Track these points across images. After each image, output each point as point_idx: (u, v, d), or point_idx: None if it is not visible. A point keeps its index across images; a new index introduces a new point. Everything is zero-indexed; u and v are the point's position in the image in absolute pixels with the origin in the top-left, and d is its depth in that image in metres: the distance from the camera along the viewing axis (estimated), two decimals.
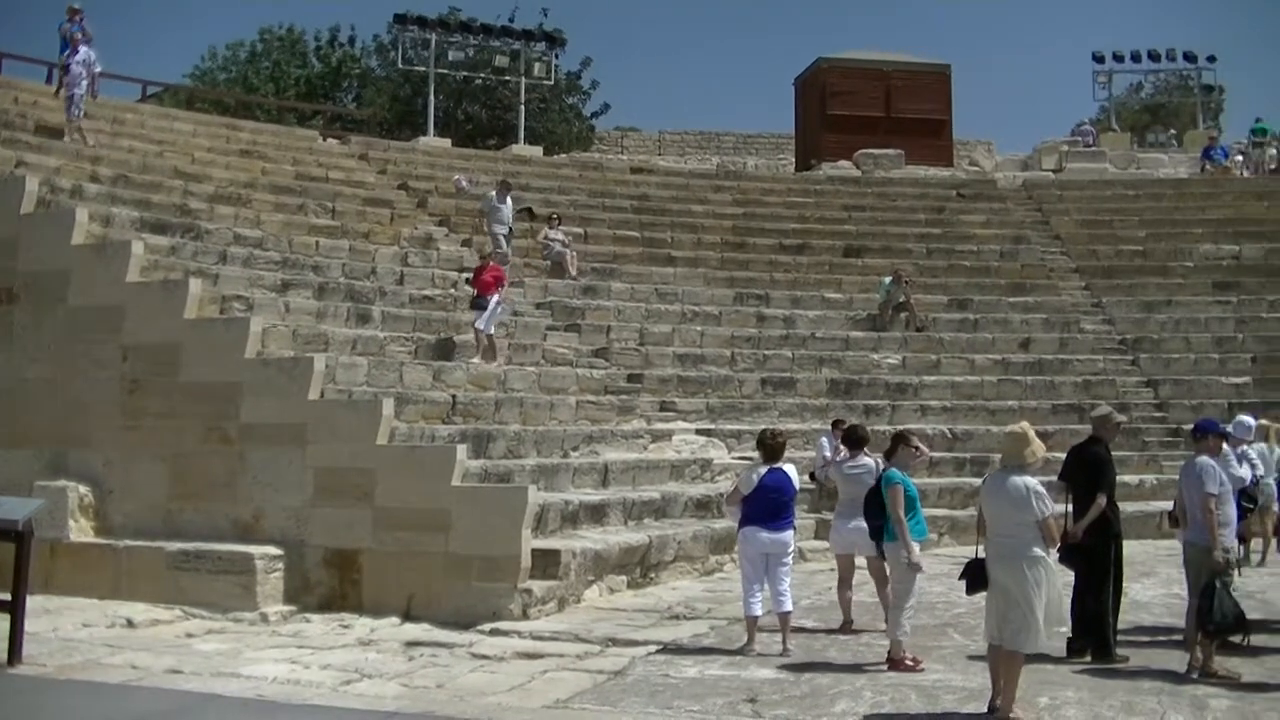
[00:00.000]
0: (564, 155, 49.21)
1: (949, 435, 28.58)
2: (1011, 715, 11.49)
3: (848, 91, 48.91)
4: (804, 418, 28.12)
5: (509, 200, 30.80)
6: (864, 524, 14.85)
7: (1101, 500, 14.45)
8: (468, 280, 26.70)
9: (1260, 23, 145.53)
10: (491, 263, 26.47)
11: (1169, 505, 16.60)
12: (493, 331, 25.15)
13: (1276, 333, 33.83)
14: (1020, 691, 11.77)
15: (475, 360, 24.55)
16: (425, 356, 24.33)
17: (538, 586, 16.86)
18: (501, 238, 30.12)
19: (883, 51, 52.24)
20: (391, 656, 14.77)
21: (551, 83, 53.07)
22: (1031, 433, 12.15)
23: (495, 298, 25.21)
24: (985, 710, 11.78)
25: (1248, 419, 18.20)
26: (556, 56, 52.10)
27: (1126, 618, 15.74)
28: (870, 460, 16.14)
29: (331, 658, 14.59)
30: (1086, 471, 14.72)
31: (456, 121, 55.53)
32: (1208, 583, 13.20)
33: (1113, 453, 15.31)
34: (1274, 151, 49.05)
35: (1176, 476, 14.71)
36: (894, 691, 12.69)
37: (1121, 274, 36.93)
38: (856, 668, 13.82)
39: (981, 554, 12.09)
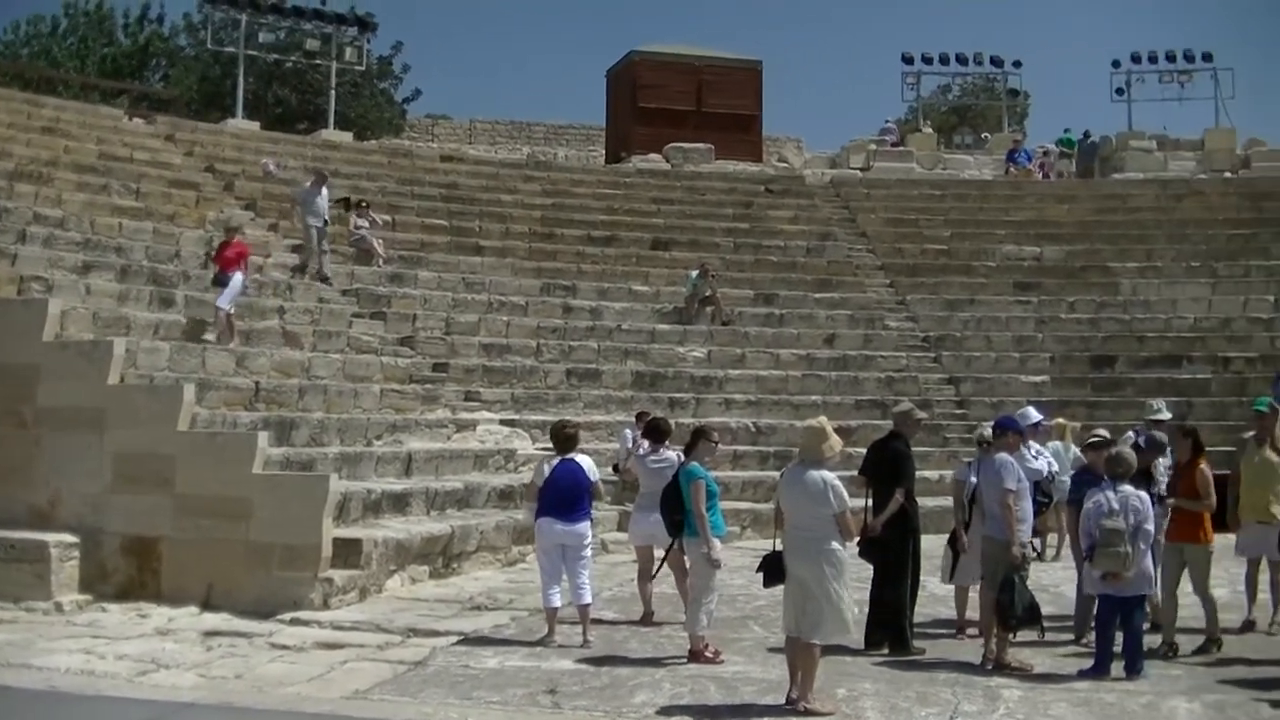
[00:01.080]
0: (374, 141, 48.83)
1: (752, 429, 28.87)
2: (809, 706, 11.62)
3: (659, 85, 48.99)
4: (609, 409, 28.23)
5: (325, 191, 30.10)
6: (658, 516, 14.92)
7: (900, 495, 14.67)
8: (208, 254, 26.04)
9: (1062, 29, 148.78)
10: (236, 239, 25.42)
11: None
12: (231, 310, 24.29)
13: (1074, 333, 34.67)
14: (818, 683, 11.92)
15: (209, 338, 23.77)
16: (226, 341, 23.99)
17: (339, 576, 16.73)
18: (315, 230, 29.45)
19: (695, 46, 52.43)
20: (189, 646, 14.54)
21: (363, 68, 52.50)
22: (829, 428, 12.31)
23: (239, 275, 24.52)
24: (783, 702, 11.90)
25: (1031, 410, 18.54)
26: (368, 41, 51.46)
27: (924, 611, 16.04)
28: (672, 454, 16.20)
29: (128, 648, 14.33)
30: (886, 467, 14.94)
31: (266, 104, 54.82)
32: (1006, 577, 13.45)
33: (914, 449, 15.55)
34: (1070, 162, 50.18)
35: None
36: (693, 683, 12.79)
37: (926, 272, 37.56)
38: (656, 660, 13.90)
39: (779, 547, 12.22)
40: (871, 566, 14.79)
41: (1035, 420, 17.68)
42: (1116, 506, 13.27)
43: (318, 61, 50.47)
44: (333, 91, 49.23)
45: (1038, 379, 32.40)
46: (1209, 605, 14.42)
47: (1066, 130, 52.79)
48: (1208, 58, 55.22)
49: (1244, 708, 12.19)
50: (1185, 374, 32.55)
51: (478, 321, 30.45)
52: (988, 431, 15.45)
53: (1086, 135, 51.72)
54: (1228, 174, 47.04)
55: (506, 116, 65.63)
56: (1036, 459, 17.27)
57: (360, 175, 37.09)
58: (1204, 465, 14.84)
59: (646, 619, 16.05)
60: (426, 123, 64.04)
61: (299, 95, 57.20)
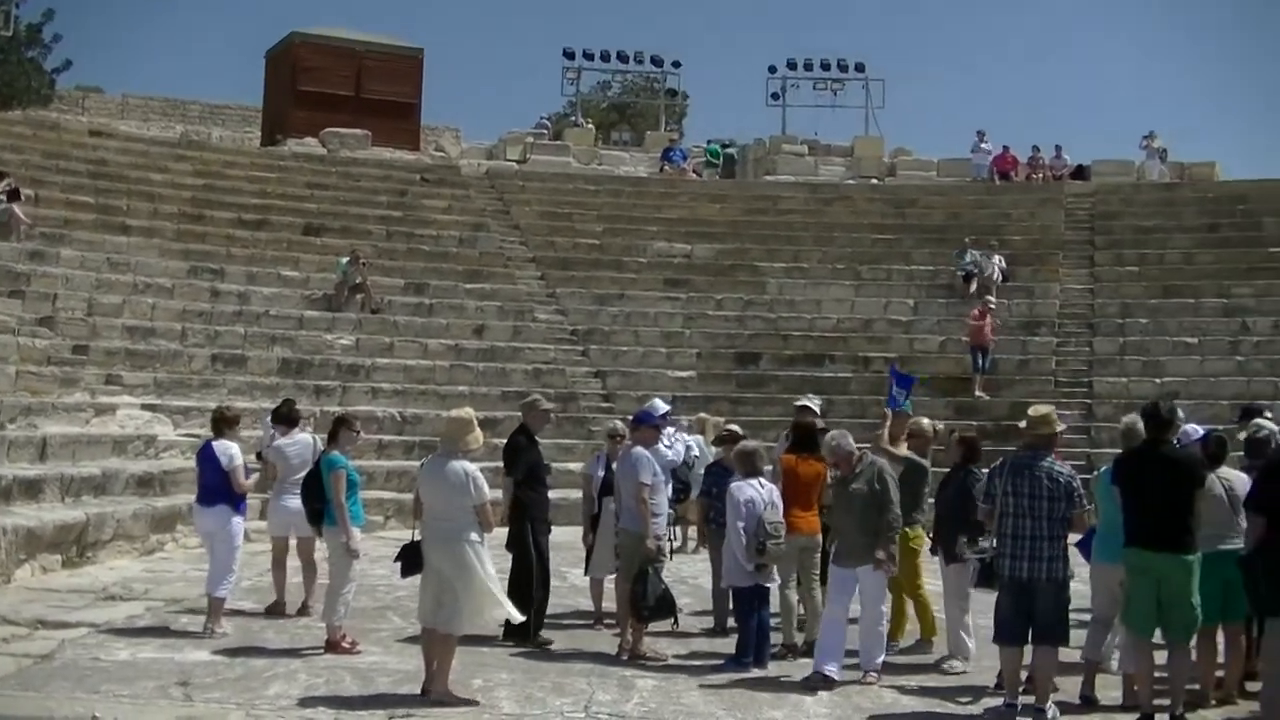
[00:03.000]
0: (19, 112, 47.15)
1: (399, 418, 28.81)
2: (445, 697, 11.64)
3: (319, 68, 48.42)
4: (254, 396, 27.74)
5: None
6: (297, 504, 14.85)
7: (509, 484, 14.83)
8: None
9: (722, 33, 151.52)
10: None
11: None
12: None
13: (721, 330, 35.44)
14: (454, 674, 11.94)
15: None
16: None
17: None
18: None
19: (356, 30, 52.01)
20: None
21: (10, 34, 50.75)
22: (474, 419, 12.34)
23: None
24: (419, 692, 11.90)
25: (659, 401, 18.71)
26: (16, 6, 49.82)
27: (565, 602, 16.28)
28: (303, 437, 16.18)
29: None
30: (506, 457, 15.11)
31: None
32: (641, 569, 13.62)
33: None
34: (715, 171, 50.97)
35: None
36: (329, 674, 12.71)
37: (577, 266, 37.88)
38: (293, 650, 13.77)
39: (418, 537, 12.22)
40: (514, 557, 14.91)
41: (664, 411, 17.84)
42: (769, 499, 13.56)
43: None
44: None
45: (684, 374, 33.03)
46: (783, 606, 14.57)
47: (710, 141, 53.68)
48: (860, 68, 57.28)
49: (866, 694, 12.63)
50: (827, 373, 33.48)
51: (122, 303, 29.66)
52: (618, 425, 15.73)
53: (726, 145, 52.90)
54: (875, 180, 48.60)
55: (161, 93, 64.35)
56: (671, 447, 17.53)
57: (3, 147, 35.74)
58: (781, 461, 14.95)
59: (283, 609, 15.89)
60: (77, 95, 62.31)
61: None
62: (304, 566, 15.85)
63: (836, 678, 12.77)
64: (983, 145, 48.20)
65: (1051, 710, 11.68)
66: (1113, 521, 12.17)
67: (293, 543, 15.99)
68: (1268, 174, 45.93)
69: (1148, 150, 47.87)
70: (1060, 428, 12.71)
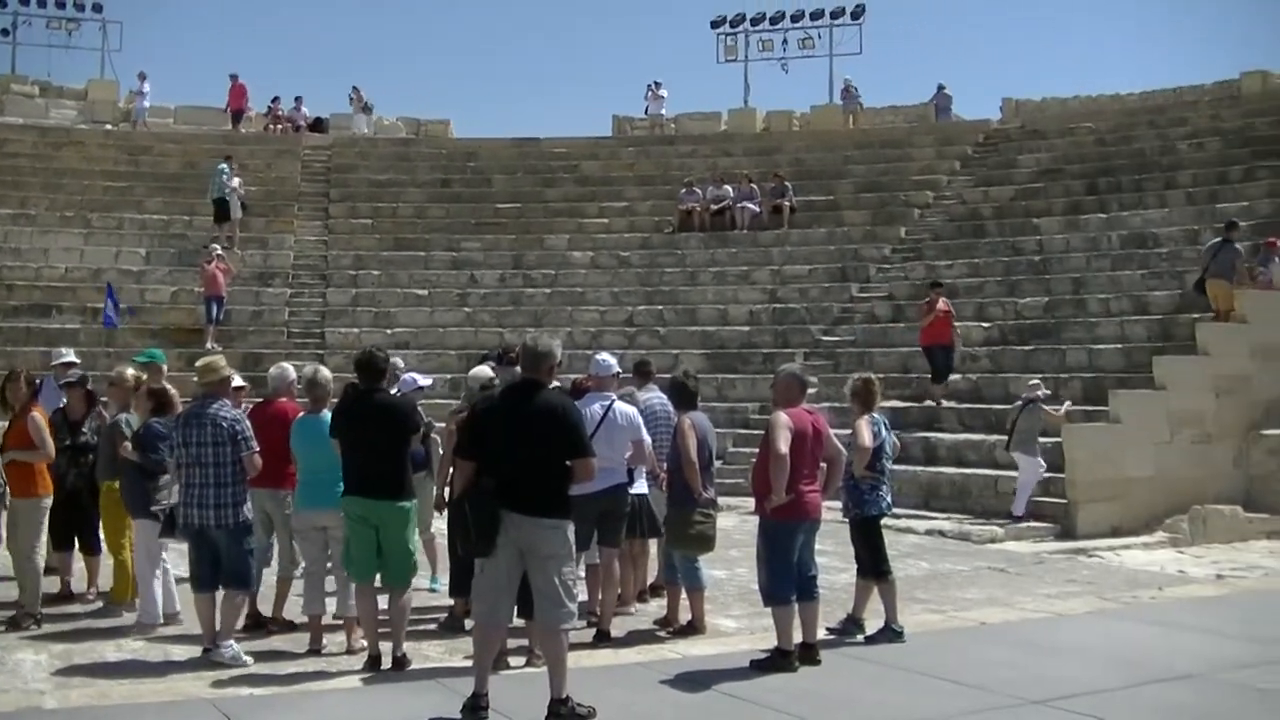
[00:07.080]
0: None
1: None
2: None
3: None
4: None
5: None
6: None
7: None
8: None
9: None
10: None
11: None
12: None
13: None
14: None
15: None
16: None
17: None
18: None
19: None
20: None
21: None
22: None
23: None
24: None
25: None
26: None
27: None
28: None
29: None
30: None
31: None
32: None
33: None
34: None
35: None
36: None
37: None
38: None
39: None
40: None
41: None
42: None
43: None
44: None
45: None
46: (30, 571, 13.82)
47: None
48: (97, 8, 55.45)
49: (92, 653, 12.40)
50: (55, 323, 32.65)
51: None
52: None
53: None
54: (109, 125, 47.45)
55: None
56: None
57: None
58: (36, 413, 14.08)
59: None
60: None
61: None
62: None
63: None
64: (145, 87, 47.45)
65: (229, 651, 11.90)
66: (311, 469, 12.55)
67: None
68: (496, 134, 47.83)
69: (354, 104, 48.50)
70: (225, 374, 12.71)
